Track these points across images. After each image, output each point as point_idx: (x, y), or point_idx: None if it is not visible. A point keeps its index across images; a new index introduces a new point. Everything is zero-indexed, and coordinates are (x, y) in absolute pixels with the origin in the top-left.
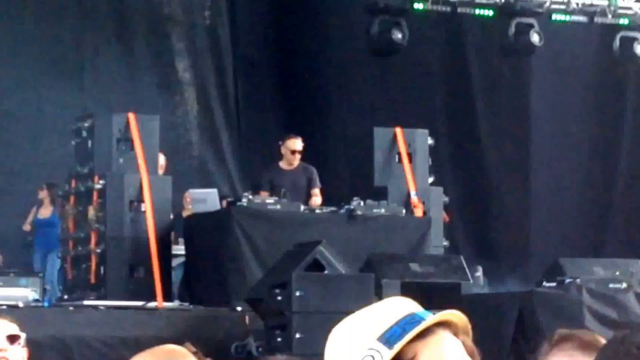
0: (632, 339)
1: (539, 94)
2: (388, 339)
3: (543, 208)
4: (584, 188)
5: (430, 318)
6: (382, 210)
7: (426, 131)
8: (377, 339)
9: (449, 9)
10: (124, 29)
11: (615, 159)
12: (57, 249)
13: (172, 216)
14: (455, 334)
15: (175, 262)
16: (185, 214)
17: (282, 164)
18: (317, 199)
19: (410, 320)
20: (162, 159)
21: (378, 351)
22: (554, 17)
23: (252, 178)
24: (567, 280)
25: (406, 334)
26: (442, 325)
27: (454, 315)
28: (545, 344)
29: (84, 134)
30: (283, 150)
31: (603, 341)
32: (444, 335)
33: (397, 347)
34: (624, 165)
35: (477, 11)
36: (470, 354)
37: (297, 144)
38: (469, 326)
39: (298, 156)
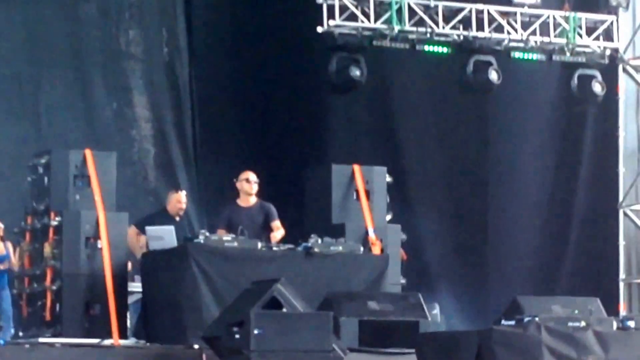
0: None
1: (498, 131)
2: None
3: (501, 246)
4: (542, 226)
5: None
6: (340, 248)
7: (384, 168)
8: None
9: (407, 45)
10: (81, 65)
11: (573, 198)
12: (7, 285)
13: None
14: None
15: (131, 299)
16: (139, 251)
17: (239, 201)
18: (278, 232)
19: None
20: (183, 196)
21: None
22: (513, 54)
23: (209, 215)
24: (526, 319)
25: None
26: None
27: None
28: None
29: (41, 170)
30: (238, 185)
31: None
32: None
33: None
34: (581, 203)
35: (435, 48)
36: None
37: (250, 175)
38: None
39: (254, 186)
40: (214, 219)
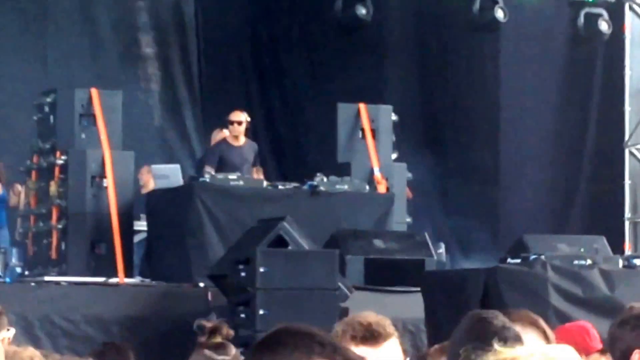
0: None
1: (506, 70)
2: None
3: (510, 185)
4: (552, 165)
5: None
6: (346, 187)
7: (390, 107)
8: None
9: None
10: (88, 3)
11: (580, 137)
12: (5, 225)
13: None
14: None
15: (137, 238)
16: (145, 190)
17: (229, 140)
18: (260, 174)
19: None
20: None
21: None
22: None
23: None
24: (532, 257)
25: None
26: None
27: None
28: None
29: (46, 109)
30: (228, 124)
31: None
32: None
33: None
34: (588, 142)
35: None
36: None
37: (234, 115)
38: None
39: (238, 127)
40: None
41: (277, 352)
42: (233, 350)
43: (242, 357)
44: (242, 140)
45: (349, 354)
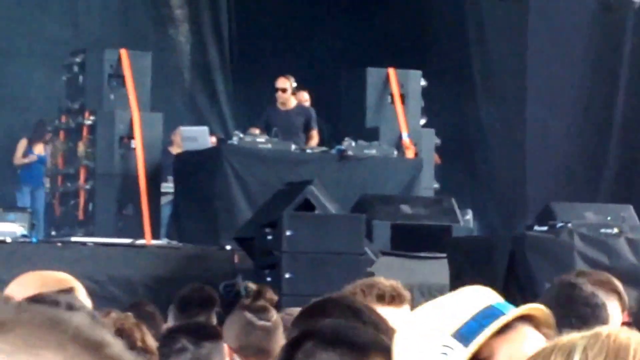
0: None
1: (535, 38)
2: (464, 335)
3: (539, 153)
4: (581, 133)
5: (511, 312)
6: (374, 151)
7: (419, 72)
8: (452, 335)
9: None
10: None
11: (611, 106)
12: (43, 185)
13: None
14: (537, 328)
15: (164, 200)
16: (174, 151)
17: (279, 104)
18: (312, 140)
19: (489, 314)
20: (306, 95)
21: (452, 348)
22: None
23: (244, 117)
24: (559, 225)
25: (484, 329)
26: (522, 319)
27: (536, 309)
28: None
29: (76, 69)
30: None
31: (616, 282)
32: (525, 330)
33: (474, 344)
34: (619, 112)
35: None
36: None
37: (279, 82)
38: (552, 320)
39: (282, 94)
40: (250, 121)
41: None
42: (274, 315)
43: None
44: (292, 104)
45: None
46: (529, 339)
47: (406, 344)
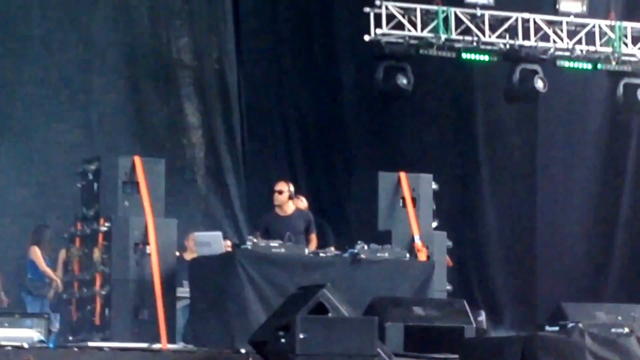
0: None
1: (546, 139)
2: None
3: (548, 252)
4: (589, 232)
5: None
6: (386, 254)
7: (430, 176)
8: None
9: (454, 54)
10: (132, 71)
11: (618, 205)
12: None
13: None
14: None
15: (179, 305)
16: (188, 256)
17: (277, 210)
18: (313, 243)
19: None
20: (304, 200)
21: None
22: (558, 63)
23: (257, 221)
24: (570, 325)
25: None
26: None
27: None
28: None
29: (90, 176)
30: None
31: None
32: None
33: None
34: (624, 212)
35: (481, 57)
36: None
37: (278, 185)
38: None
39: (279, 196)
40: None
41: None
42: None
43: None
44: (290, 209)
45: None
46: None
47: None
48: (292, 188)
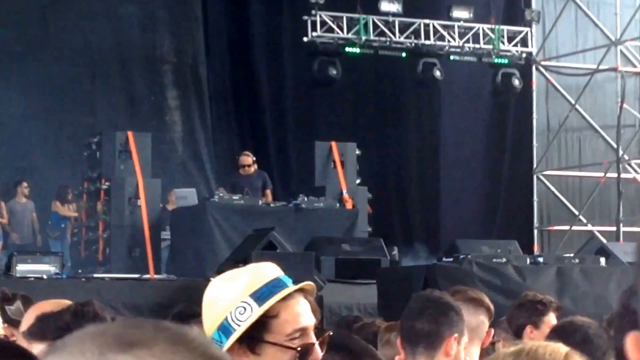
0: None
1: (444, 117)
2: (259, 297)
3: (450, 203)
4: (478, 187)
5: (293, 286)
6: (321, 204)
7: (354, 144)
8: (250, 295)
9: (372, 51)
10: (126, 68)
11: (500, 166)
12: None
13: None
14: (306, 297)
15: (163, 244)
16: (170, 207)
17: (241, 171)
18: (269, 197)
19: (277, 284)
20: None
21: (250, 305)
22: (452, 57)
23: (223, 179)
24: (461, 257)
25: (274, 295)
26: (299, 290)
27: (307, 285)
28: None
29: (94, 147)
30: (239, 162)
31: (485, 298)
32: (299, 298)
33: (266, 305)
34: (505, 170)
35: (394, 53)
36: (314, 310)
37: (242, 159)
38: (315, 290)
39: (247, 169)
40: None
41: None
42: None
43: None
44: (251, 170)
45: None
46: (301, 304)
47: (213, 298)
48: (253, 158)
